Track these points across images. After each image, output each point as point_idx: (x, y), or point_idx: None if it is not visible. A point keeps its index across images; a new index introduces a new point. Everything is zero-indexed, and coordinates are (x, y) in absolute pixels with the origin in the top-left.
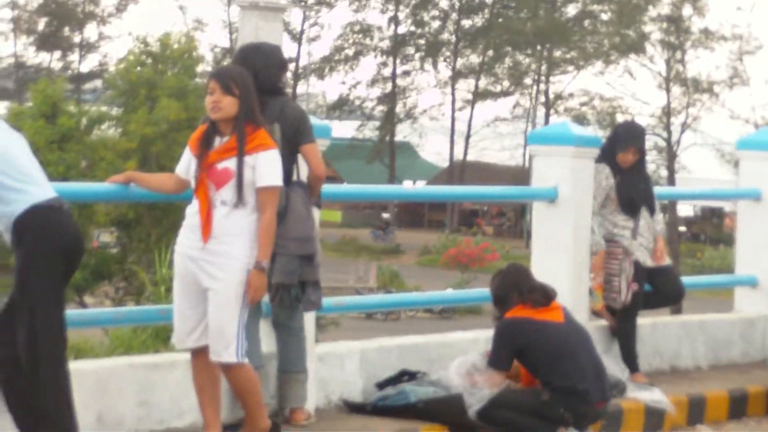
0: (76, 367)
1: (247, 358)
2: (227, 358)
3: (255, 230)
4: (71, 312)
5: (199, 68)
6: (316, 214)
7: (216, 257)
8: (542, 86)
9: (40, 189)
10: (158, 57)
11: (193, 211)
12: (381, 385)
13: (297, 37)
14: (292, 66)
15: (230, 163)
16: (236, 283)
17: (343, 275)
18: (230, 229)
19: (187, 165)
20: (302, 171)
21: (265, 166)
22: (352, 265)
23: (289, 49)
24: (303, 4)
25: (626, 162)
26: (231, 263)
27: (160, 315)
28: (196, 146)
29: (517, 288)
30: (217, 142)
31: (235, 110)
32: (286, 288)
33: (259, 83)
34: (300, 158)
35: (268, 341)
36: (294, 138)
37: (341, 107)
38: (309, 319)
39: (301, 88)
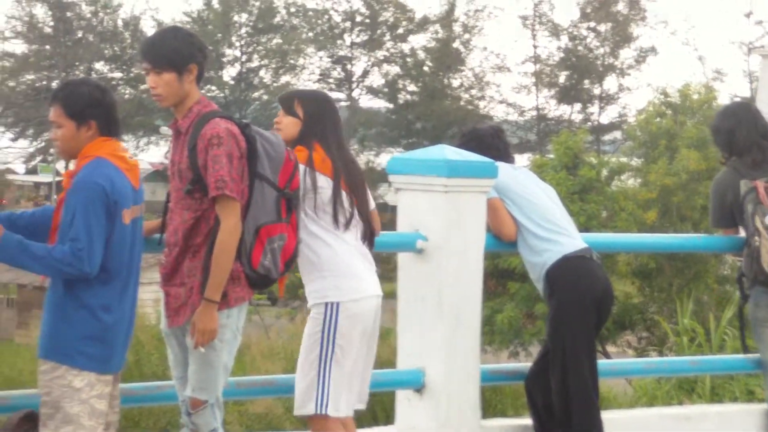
0: (605, 416)
1: None
2: None
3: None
4: (602, 362)
5: None
6: None
7: None
8: None
9: (570, 239)
10: (678, 108)
11: None
12: None
13: None
14: None
15: None
16: None
17: None
18: None
19: None
20: None
21: None
22: None
23: None
24: None
25: None
26: None
27: (690, 366)
28: None
29: None
30: None
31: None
32: None
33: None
34: None
35: None
36: None
37: None
38: None
39: None
